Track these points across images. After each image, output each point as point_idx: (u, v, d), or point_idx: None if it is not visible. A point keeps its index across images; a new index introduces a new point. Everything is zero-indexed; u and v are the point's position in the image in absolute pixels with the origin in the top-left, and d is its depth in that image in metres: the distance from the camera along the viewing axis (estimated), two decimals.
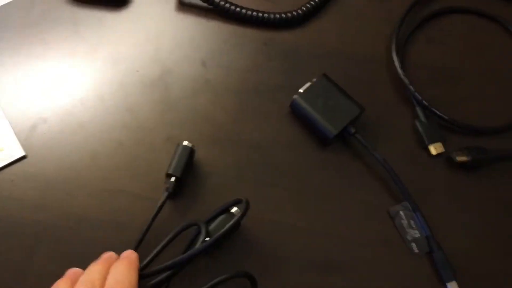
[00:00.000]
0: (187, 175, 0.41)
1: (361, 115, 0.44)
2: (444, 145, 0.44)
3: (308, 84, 0.44)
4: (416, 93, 0.45)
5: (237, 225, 0.36)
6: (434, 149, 0.44)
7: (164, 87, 0.45)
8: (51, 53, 0.46)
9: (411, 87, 0.45)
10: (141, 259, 0.36)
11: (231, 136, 0.44)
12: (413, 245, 0.41)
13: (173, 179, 0.39)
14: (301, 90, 0.44)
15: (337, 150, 0.44)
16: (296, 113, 0.44)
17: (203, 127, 0.44)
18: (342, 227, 0.42)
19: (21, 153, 0.41)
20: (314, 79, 0.44)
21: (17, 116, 0.43)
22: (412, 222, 0.42)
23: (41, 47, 0.46)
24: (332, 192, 0.43)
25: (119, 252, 0.36)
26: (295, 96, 0.43)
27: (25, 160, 0.42)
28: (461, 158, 0.43)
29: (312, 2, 0.48)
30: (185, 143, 0.40)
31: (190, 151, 0.40)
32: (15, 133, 0.42)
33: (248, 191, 0.42)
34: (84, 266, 0.34)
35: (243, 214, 0.36)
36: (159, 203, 0.39)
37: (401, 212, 0.42)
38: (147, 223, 0.38)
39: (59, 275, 0.34)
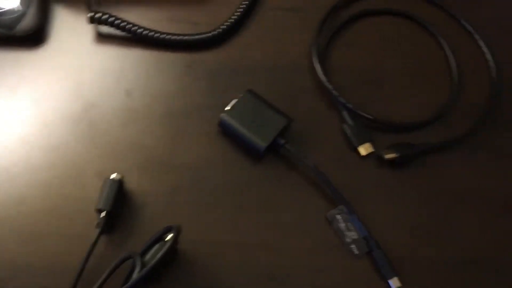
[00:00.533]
0: (118, 208, 0.40)
1: (290, 125, 0.45)
2: (373, 145, 0.45)
3: (234, 101, 0.44)
4: (340, 98, 0.46)
5: (171, 252, 0.36)
6: (363, 149, 0.45)
7: (89, 122, 0.44)
8: None
9: (334, 92, 0.46)
10: None
11: (162, 162, 0.43)
12: (353, 246, 0.42)
13: (103, 214, 0.39)
14: (227, 108, 0.44)
15: (271, 163, 0.45)
16: (226, 131, 0.45)
17: (134, 157, 0.43)
18: (282, 238, 0.42)
19: None
20: (240, 95, 0.44)
21: None
22: (349, 224, 0.42)
23: None
24: (269, 204, 0.43)
25: None
26: (222, 115, 0.44)
27: None
28: (389, 156, 0.44)
29: (230, 20, 0.49)
30: (113, 176, 0.40)
31: (119, 184, 0.40)
32: None
33: (185, 215, 0.42)
34: None
35: (175, 241, 0.36)
36: (92, 241, 0.38)
37: (338, 216, 0.43)
38: (82, 262, 0.38)
39: None
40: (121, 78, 0.46)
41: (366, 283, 0.41)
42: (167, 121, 0.45)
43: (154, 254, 0.37)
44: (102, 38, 0.48)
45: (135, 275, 0.35)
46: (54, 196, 0.41)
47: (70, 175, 0.42)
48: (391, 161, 0.44)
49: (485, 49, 0.51)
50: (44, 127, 0.44)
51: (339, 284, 0.41)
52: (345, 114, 0.46)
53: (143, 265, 0.36)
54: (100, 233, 0.39)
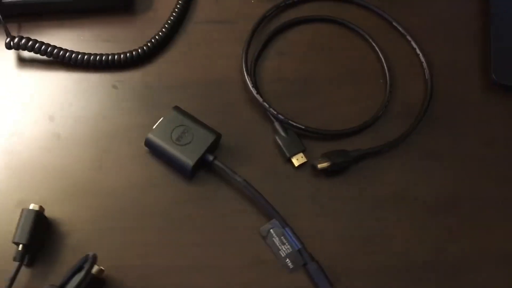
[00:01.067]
0: (39, 239, 0.39)
1: (220, 140, 0.44)
2: (306, 155, 0.45)
3: (160, 120, 0.43)
4: (271, 109, 0.45)
5: (94, 282, 0.35)
6: (296, 160, 0.44)
7: (10, 151, 0.43)
8: None
9: (265, 104, 0.45)
10: None
11: (87, 188, 0.42)
12: (288, 261, 0.41)
13: (20, 247, 0.37)
14: (154, 127, 0.43)
15: (202, 180, 0.44)
16: (153, 152, 0.44)
17: (57, 184, 0.42)
18: (216, 257, 0.41)
19: None
20: (166, 114, 0.43)
21: None
22: (283, 238, 0.41)
23: None
24: (201, 223, 0.42)
25: None
26: (148, 135, 0.43)
27: None
28: (322, 165, 0.43)
29: (156, 37, 0.48)
30: (31, 206, 0.38)
31: (36, 214, 0.38)
32: None
33: (112, 241, 0.40)
34: None
35: (89, 269, 0.34)
36: (10, 275, 0.36)
37: (271, 230, 0.42)
38: None
39: None
40: (44, 103, 0.45)
41: None
42: (92, 144, 0.44)
43: (73, 285, 0.36)
44: (24, 63, 0.47)
45: None
46: None
47: None
48: (325, 170, 0.44)
49: (418, 51, 0.50)
50: None
51: None
52: (277, 125, 0.46)
53: None
54: (19, 267, 0.37)
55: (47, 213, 0.40)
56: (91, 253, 0.35)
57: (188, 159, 0.42)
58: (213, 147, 0.43)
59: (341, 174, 0.44)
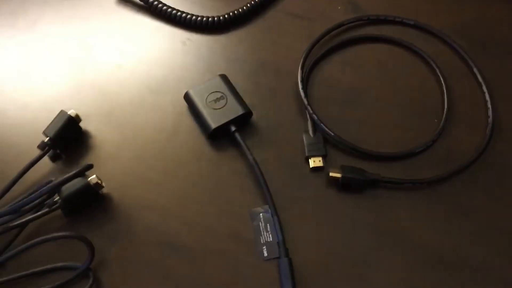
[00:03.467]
0: (66, 140, 0.44)
1: (251, 117, 0.46)
2: (325, 161, 0.44)
3: (205, 82, 0.46)
4: (309, 107, 0.46)
5: (87, 189, 0.39)
6: (313, 162, 0.44)
7: (82, 66, 0.50)
8: None
9: (305, 99, 0.46)
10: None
11: (124, 116, 0.47)
12: (264, 248, 0.41)
13: (46, 139, 0.43)
14: (196, 86, 0.46)
15: (222, 147, 0.46)
16: (189, 105, 0.47)
17: (101, 105, 0.47)
18: (201, 216, 0.42)
19: None
20: (212, 78, 0.46)
21: None
22: (268, 225, 0.42)
23: None
24: (204, 182, 0.44)
25: None
26: (188, 90, 0.46)
27: None
28: (333, 174, 0.43)
29: (235, 11, 0.51)
30: (70, 111, 0.44)
31: (69, 118, 0.44)
32: None
33: (125, 167, 0.44)
34: None
35: (79, 172, 0.39)
36: (32, 159, 0.42)
37: (261, 215, 0.42)
38: (18, 175, 0.42)
39: None
40: (119, 40, 0.51)
41: (262, 286, 0.40)
42: (142, 85, 0.49)
43: (71, 187, 0.40)
44: (121, 2, 0.53)
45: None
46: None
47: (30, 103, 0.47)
48: (334, 180, 0.43)
49: (489, 105, 0.47)
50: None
51: (238, 278, 0.40)
52: (309, 123, 0.46)
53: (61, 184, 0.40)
54: (42, 155, 0.43)
55: (84, 126, 0.45)
56: (89, 164, 0.40)
57: (212, 122, 0.44)
58: (241, 121, 0.45)
59: (353, 192, 0.43)
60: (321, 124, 0.45)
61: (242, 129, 0.45)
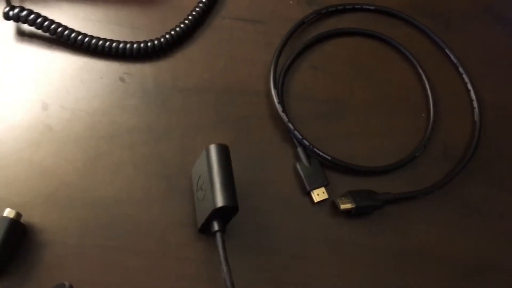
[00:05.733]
0: (12, 250, 0.33)
1: (236, 212, 0.35)
2: (328, 190, 0.39)
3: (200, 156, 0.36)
4: (296, 132, 0.39)
5: None
6: (316, 195, 0.39)
7: None
8: None
9: (290, 125, 0.40)
10: None
11: (75, 195, 0.36)
12: None
13: None
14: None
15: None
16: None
17: (41, 186, 0.36)
18: None
19: None
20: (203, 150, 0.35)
21: None
22: None
23: None
24: (184, 272, 0.36)
25: None
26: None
27: None
28: (345, 206, 0.38)
29: (176, 29, 0.41)
30: (6, 212, 0.33)
31: (11, 222, 0.32)
32: None
33: (95, 260, 0.35)
34: None
35: None
36: None
37: None
38: None
39: None
40: (39, 87, 0.39)
41: None
42: (86, 145, 0.38)
43: None
44: (23, 38, 0.41)
45: None
46: None
47: None
48: (347, 212, 0.38)
49: (469, 86, 0.44)
50: None
51: None
52: (300, 150, 0.40)
53: None
54: None
55: (26, 217, 0.34)
56: (67, 284, 0.30)
57: (198, 219, 0.35)
58: (226, 213, 0.35)
59: (363, 217, 0.39)
60: (315, 149, 0.39)
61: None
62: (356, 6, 0.46)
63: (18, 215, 0.33)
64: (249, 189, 0.38)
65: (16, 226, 0.33)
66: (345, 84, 0.43)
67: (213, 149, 0.35)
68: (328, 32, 0.45)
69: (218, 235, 0.34)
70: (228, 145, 0.35)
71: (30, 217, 0.35)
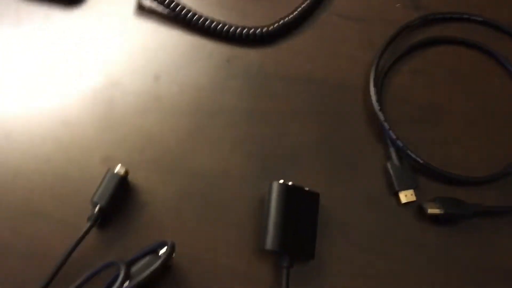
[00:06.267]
0: (117, 203, 0.36)
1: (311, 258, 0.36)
2: (416, 193, 0.39)
3: (298, 186, 0.37)
4: (391, 132, 0.40)
5: (161, 269, 0.32)
6: (404, 196, 0.39)
7: (109, 101, 0.40)
8: None
9: (386, 124, 0.40)
10: None
11: (176, 163, 0.39)
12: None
13: (97, 208, 0.34)
14: (289, 183, 0.36)
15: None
16: (266, 196, 0.36)
17: (147, 150, 0.39)
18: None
19: None
20: (306, 188, 0.37)
21: None
22: None
23: None
24: None
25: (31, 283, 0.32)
26: (279, 182, 0.36)
27: None
28: (433, 211, 0.38)
29: (285, 19, 0.43)
30: (117, 168, 0.35)
31: (121, 178, 0.35)
32: None
33: (188, 227, 0.37)
34: None
35: (166, 260, 0.31)
36: (80, 234, 0.34)
37: None
38: (64, 255, 0.34)
39: None
40: (153, 60, 0.42)
41: None
42: (191, 118, 0.40)
43: (143, 267, 0.33)
44: (142, 11, 0.44)
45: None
46: (52, 175, 0.37)
47: (74, 155, 0.38)
48: (434, 217, 0.38)
49: None
50: (58, 96, 0.40)
51: None
52: (392, 151, 0.40)
53: (126, 277, 0.32)
54: (90, 227, 0.34)
55: (130, 177, 0.37)
56: (169, 241, 0.32)
57: (271, 242, 0.35)
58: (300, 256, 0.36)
59: (449, 225, 0.39)
60: (408, 151, 0.40)
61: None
62: (464, 16, 0.46)
63: (126, 172, 0.36)
64: (337, 182, 0.39)
65: (124, 183, 0.36)
66: (444, 92, 0.43)
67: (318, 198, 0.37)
68: (432, 38, 0.45)
69: (285, 271, 0.35)
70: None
71: (134, 178, 0.38)
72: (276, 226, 0.35)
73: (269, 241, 0.35)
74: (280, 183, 0.36)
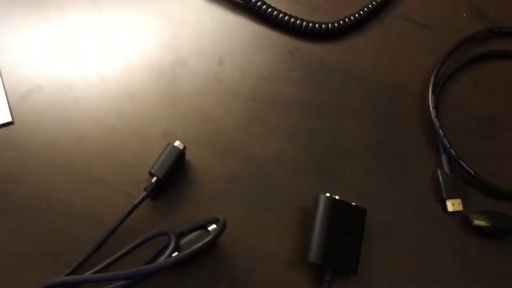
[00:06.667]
0: (172, 177, 0.38)
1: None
2: (463, 203, 0.39)
3: (345, 201, 0.37)
4: (445, 140, 0.40)
5: (210, 244, 0.33)
6: (451, 205, 0.39)
7: (173, 78, 0.42)
8: (64, 20, 0.43)
9: (440, 131, 0.40)
10: (98, 262, 0.33)
11: (231, 145, 0.40)
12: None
13: (154, 179, 0.36)
14: (336, 197, 0.37)
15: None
16: (312, 208, 0.37)
17: (204, 130, 0.40)
18: None
19: (8, 118, 0.39)
20: (353, 203, 0.37)
21: (14, 79, 0.41)
22: None
23: (55, 12, 0.43)
24: None
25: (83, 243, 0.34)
26: (321, 196, 0.37)
27: (11, 127, 0.39)
28: (479, 222, 0.38)
29: (350, 17, 0.43)
30: (177, 143, 0.37)
31: (180, 153, 0.37)
32: (7, 97, 0.40)
33: (235, 209, 0.38)
34: (43, 249, 0.34)
35: (217, 236, 0.32)
36: (134, 202, 0.36)
37: None
38: (118, 220, 0.35)
39: (15, 253, 0.33)
40: (218, 43, 0.43)
41: None
42: (249, 104, 0.41)
43: (192, 240, 0.34)
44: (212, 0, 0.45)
45: (164, 256, 0.32)
46: (114, 143, 0.39)
47: (136, 126, 0.40)
48: (479, 229, 0.38)
49: None
50: (126, 70, 0.42)
51: None
52: (444, 158, 0.40)
53: (176, 247, 0.33)
54: (146, 197, 0.36)
55: (186, 154, 0.38)
56: (221, 219, 0.33)
57: (315, 256, 0.35)
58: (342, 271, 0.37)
59: (493, 239, 0.39)
60: (460, 161, 0.40)
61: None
62: None
63: (185, 148, 0.37)
64: (386, 184, 0.40)
65: (181, 158, 0.37)
66: (503, 106, 0.43)
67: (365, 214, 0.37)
68: (496, 51, 0.44)
69: (326, 284, 0.36)
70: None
71: (189, 155, 0.39)
72: (320, 240, 0.35)
73: (313, 254, 0.35)
74: (327, 196, 0.36)
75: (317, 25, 0.43)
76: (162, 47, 0.43)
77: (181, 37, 0.43)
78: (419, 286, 0.37)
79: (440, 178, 0.40)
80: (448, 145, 0.40)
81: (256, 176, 0.39)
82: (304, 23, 0.43)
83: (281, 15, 0.43)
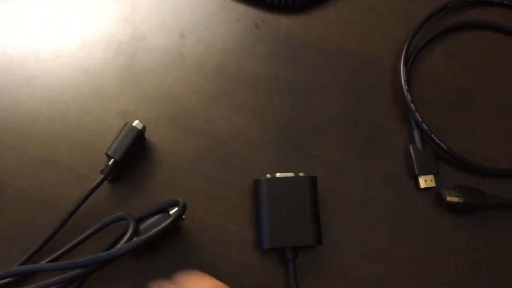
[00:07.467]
0: (132, 158, 0.36)
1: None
2: (436, 179, 0.38)
3: (287, 175, 0.35)
4: (417, 114, 0.39)
5: (169, 228, 0.31)
6: (423, 181, 0.38)
7: (131, 54, 0.39)
8: None
9: (412, 105, 0.39)
10: (55, 248, 0.32)
11: (195, 123, 0.38)
12: None
13: (111, 161, 0.34)
14: (277, 175, 0.35)
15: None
16: (253, 195, 0.36)
17: (166, 108, 0.38)
18: None
19: None
20: (300, 174, 0.35)
21: None
22: None
23: None
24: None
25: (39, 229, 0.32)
26: (260, 179, 0.35)
27: None
28: (452, 199, 0.37)
29: None
30: (135, 123, 0.35)
31: (138, 133, 0.35)
32: None
33: (199, 190, 0.36)
34: None
35: (176, 219, 0.31)
36: (92, 185, 0.34)
37: None
38: (75, 205, 0.33)
39: None
40: (180, 17, 0.41)
41: None
42: (213, 80, 0.39)
43: (152, 225, 0.32)
44: None
45: (123, 242, 0.30)
46: (70, 123, 0.37)
47: (92, 105, 0.38)
48: (451, 205, 0.37)
49: None
50: (82, 46, 0.39)
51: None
52: (416, 133, 0.39)
53: (135, 232, 0.31)
54: (103, 180, 0.34)
55: (147, 134, 0.36)
56: (181, 201, 0.31)
57: (269, 240, 0.34)
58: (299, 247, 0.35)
59: (466, 215, 0.38)
60: (432, 135, 0.38)
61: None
62: (504, 2, 0.44)
63: (144, 128, 0.35)
64: (356, 159, 0.38)
65: (140, 138, 0.35)
66: (477, 78, 0.41)
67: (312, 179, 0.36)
68: (470, 21, 0.43)
69: (291, 264, 0.34)
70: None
71: (151, 135, 0.37)
72: (268, 224, 0.34)
73: (265, 241, 0.34)
74: (265, 179, 0.35)
75: None
76: (120, 21, 0.40)
77: (140, 9, 0.41)
78: (389, 263, 0.36)
79: (412, 154, 0.38)
80: (420, 120, 0.39)
81: (221, 155, 0.37)
82: None
83: None
